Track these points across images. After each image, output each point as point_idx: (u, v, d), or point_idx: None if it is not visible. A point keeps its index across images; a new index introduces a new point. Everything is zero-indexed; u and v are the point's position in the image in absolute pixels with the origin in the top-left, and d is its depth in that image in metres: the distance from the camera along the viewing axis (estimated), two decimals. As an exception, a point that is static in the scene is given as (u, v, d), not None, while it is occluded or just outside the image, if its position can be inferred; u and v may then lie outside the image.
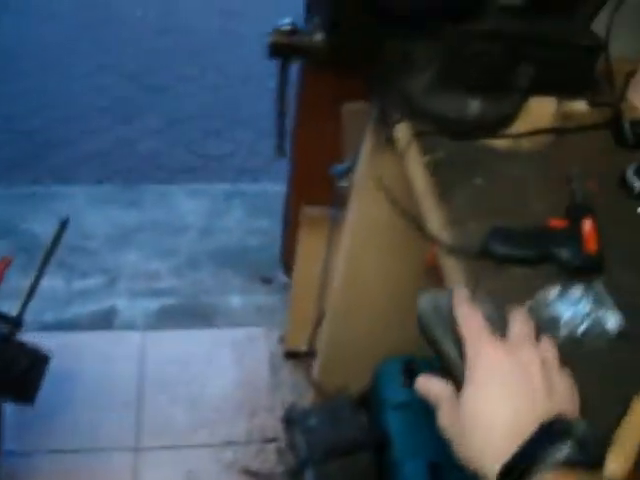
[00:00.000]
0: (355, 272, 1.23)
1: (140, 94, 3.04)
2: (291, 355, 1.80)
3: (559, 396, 0.51)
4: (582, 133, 0.93)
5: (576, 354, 0.61)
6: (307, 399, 1.65)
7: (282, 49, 0.84)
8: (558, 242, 0.73)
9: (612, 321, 0.66)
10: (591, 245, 0.73)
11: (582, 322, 0.66)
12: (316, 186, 1.35)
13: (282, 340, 1.86)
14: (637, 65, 1.00)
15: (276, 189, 1.96)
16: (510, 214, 0.79)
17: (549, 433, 0.47)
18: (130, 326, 1.91)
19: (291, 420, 1.32)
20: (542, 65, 0.88)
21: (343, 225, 1.24)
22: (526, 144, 0.89)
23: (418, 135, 0.86)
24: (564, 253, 0.73)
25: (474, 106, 0.86)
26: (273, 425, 1.68)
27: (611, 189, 0.86)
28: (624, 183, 0.85)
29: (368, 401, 1.37)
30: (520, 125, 0.90)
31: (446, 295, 0.57)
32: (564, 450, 0.46)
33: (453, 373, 0.54)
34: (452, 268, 0.74)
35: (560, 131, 0.92)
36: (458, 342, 0.54)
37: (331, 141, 1.26)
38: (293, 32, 0.83)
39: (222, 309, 1.98)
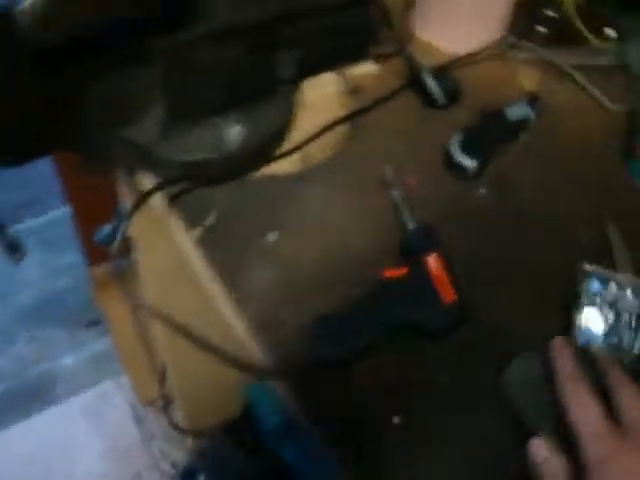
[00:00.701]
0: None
1: None
2: (150, 402, 1.56)
3: None
4: (382, 106, 0.71)
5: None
6: (186, 444, 1.44)
7: None
8: (403, 304, 0.53)
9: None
10: (446, 292, 0.54)
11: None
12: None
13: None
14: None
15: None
16: (328, 278, 0.57)
17: None
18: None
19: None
20: (308, 41, 0.65)
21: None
22: (318, 152, 0.66)
23: (173, 200, 0.60)
24: (416, 318, 0.53)
25: (234, 133, 0.61)
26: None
27: (438, 177, 0.67)
28: (451, 163, 0.66)
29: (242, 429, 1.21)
30: (304, 126, 0.67)
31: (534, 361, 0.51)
32: None
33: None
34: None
35: (354, 115, 0.69)
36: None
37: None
38: None
39: (56, 377, 1.66)
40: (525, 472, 0.46)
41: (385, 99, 0.71)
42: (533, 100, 0.72)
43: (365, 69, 0.74)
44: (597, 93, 0.76)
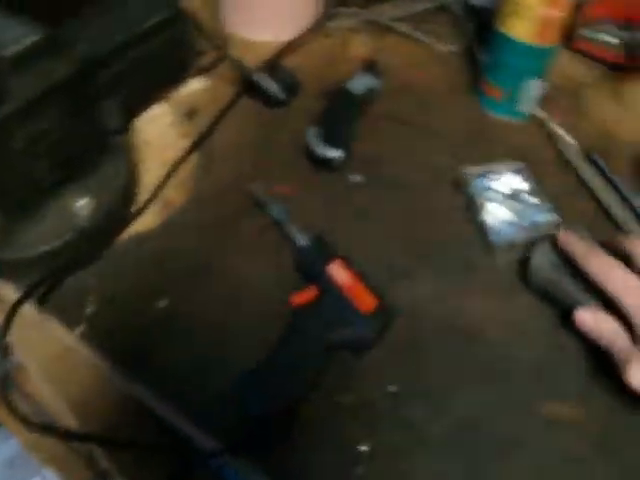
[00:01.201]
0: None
1: None
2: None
3: None
4: (224, 122, 0.66)
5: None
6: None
7: None
8: (322, 328, 0.49)
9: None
10: (363, 299, 0.50)
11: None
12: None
13: None
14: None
15: None
16: (238, 330, 0.52)
17: None
18: None
19: None
20: (127, 79, 0.58)
21: None
22: (176, 195, 0.60)
23: (43, 302, 0.52)
24: (340, 338, 0.49)
25: (80, 207, 0.54)
26: None
27: (309, 176, 0.63)
28: (316, 158, 0.62)
29: None
30: (153, 168, 0.60)
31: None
32: None
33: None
34: None
35: (198, 143, 0.64)
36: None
37: None
38: None
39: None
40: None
41: (224, 113, 0.66)
42: (371, 67, 0.70)
43: (194, 87, 0.69)
44: (428, 40, 0.75)
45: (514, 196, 0.59)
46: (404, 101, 0.71)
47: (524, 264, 0.55)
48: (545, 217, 0.57)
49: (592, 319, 0.49)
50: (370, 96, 0.68)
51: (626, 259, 0.49)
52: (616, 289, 0.47)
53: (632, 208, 0.61)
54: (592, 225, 0.60)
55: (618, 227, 0.61)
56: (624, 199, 0.62)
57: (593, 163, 0.65)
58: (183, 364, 0.49)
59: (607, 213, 0.62)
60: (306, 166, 0.63)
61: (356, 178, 0.63)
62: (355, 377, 0.50)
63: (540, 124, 0.70)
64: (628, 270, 0.48)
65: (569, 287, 0.51)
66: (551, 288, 0.53)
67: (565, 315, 0.51)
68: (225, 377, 0.47)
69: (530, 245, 0.55)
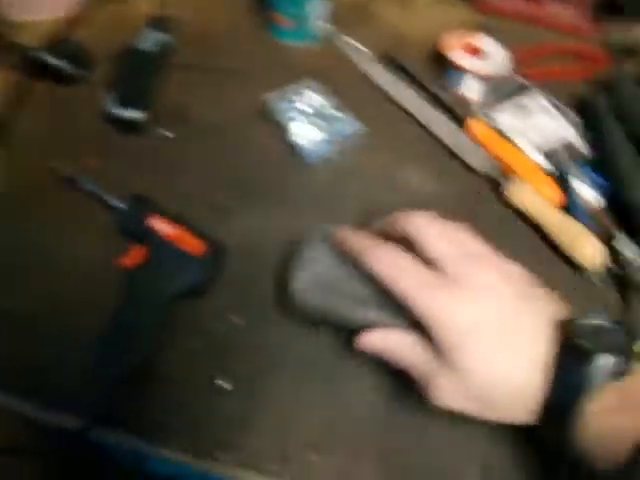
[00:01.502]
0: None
1: None
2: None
3: (537, 293, 0.42)
4: (19, 114, 0.64)
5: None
6: None
7: None
8: (160, 281, 0.50)
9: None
10: (192, 245, 0.52)
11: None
12: None
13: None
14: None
15: None
16: (72, 295, 0.52)
17: (570, 353, 0.38)
18: None
19: None
20: None
21: None
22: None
23: None
24: (180, 287, 0.50)
25: None
26: None
27: (117, 142, 0.62)
28: (122, 123, 0.62)
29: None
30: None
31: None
32: (604, 360, 0.36)
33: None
34: None
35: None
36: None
37: None
38: None
39: None
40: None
41: (19, 102, 0.64)
42: (159, 22, 0.69)
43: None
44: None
45: (318, 113, 0.62)
46: (201, 49, 0.71)
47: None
48: (351, 127, 0.61)
49: (379, 340, 0.43)
50: (163, 51, 0.67)
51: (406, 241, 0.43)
52: (411, 291, 0.40)
53: (435, 98, 0.66)
54: (398, 127, 0.65)
55: (421, 126, 0.65)
56: (424, 89, 0.67)
57: (391, 64, 0.69)
58: (33, 357, 0.48)
59: (408, 113, 0.66)
60: (113, 133, 0.62)
61: (166, 133, 0.63)
62: (202, 318, 0.51)
63: (333, 42, 0.73)
64: (419, 265, 0.41)
65: (342, 308, 0.45)
66: (321, 316, 0.46)
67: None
68: (80, 355, 0.47)
69: (291, 264, 0.48)
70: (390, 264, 0.41)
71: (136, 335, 0.48)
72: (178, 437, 0.46)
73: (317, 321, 0.48)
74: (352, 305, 0.44)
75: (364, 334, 0.44)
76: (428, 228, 0.43)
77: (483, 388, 0.39)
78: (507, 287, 0.41)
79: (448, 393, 0.40)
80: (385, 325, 0.43)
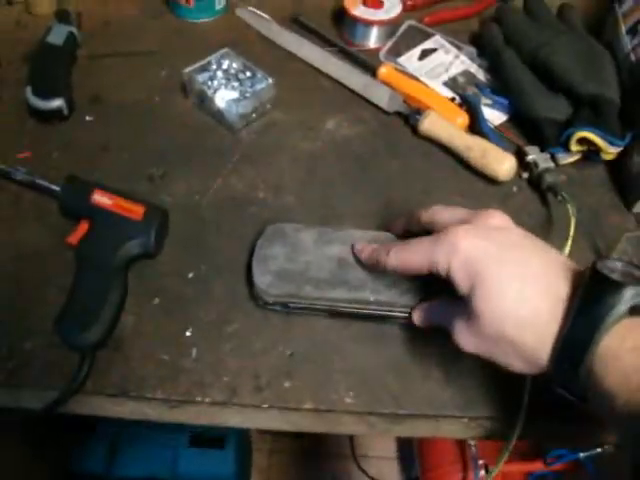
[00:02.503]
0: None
1: None
2: None
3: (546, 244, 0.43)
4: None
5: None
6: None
7: None
8: (109, 253, 0.52)
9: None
10: (133, 211, 0.54)
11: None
12: None
13: None
14: None
15: None
16: (29, 282, 0.53)
17: (596, 284, 0.37)
18: None
19: None
20: None
21: None
22: None
23: None
24: (129, 254, 0.52)
25: None
26: None
27: (42, 134, 0.63)
28: (41, 113, 0.63)
29: None
30: None
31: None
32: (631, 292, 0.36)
33: None
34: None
35: None
36: None
37: None
38: None
39: None
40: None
41: None
42: (63, 15, 0.70)
43: None
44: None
45: (235, 78, 0.64)
46: (110, 37, 0.73)
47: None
48: (263, 84, 0.64)
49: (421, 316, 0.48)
50: (72, 42, 0.68)
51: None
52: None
53: (343, 51, 0.70)
54: (310, 82, 0.68)
55: (333, 79, 0.69)
56: (332, 45, 0.71)
57: (296, 26, 0.73)
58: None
59: (319, 70, 0.70)
60: (38, 125, 0.63)
61: (86, 117, 0.64)
62: (157, 277, 0.53)
63: (236, 13, 0.76)
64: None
65: (307, 292, 0.49)
66: (288, 302, 0.50)
67: None
68: (42, 332, 0.49)
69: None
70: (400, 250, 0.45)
71: (94, 304, 0.50)
72: (152, 388, 0.48)
73: (285, 307, 0.51)
74: (316, 288, 0.49)
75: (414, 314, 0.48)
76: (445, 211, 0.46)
77: (493, 324, 0.40)
78: (516, 229, 0.44)
79: (464, 336, 0.42)
80: (349, 300, 0.49)
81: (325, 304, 0.50)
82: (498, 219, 0.44)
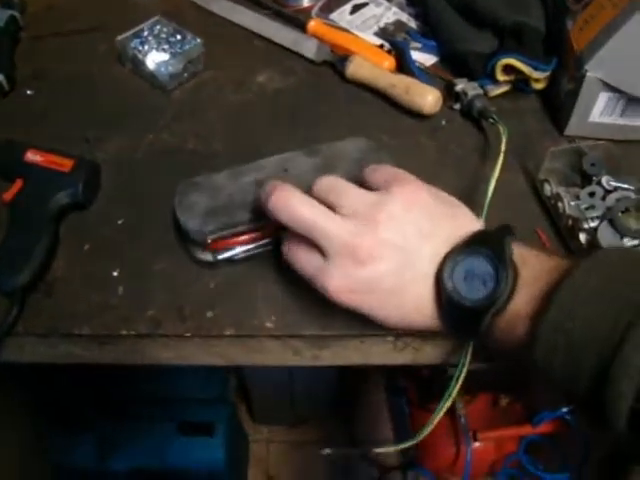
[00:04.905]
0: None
1: None
2: None
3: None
4: None
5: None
6: None
7: None
8: (42, 207, 0.54)
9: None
10: (62, 164, 0.55)
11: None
12: None
13: None
14: None
15: None
16: None
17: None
18: None
19: None
20: None
21: None
22: None
23: None
24: (60, 205, 0.54)
25: None
26: None
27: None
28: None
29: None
30: None
31: None
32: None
33: None
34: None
35: None
36: None
37: None
38: None
39: None
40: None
41: None
42: (6, 1, 0.73)
43: None
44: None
45: (163, 40, 0.66)
46: (52, 19, 0.75)
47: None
48: (192, 43, 0.66)
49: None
50: (13, 24, 0.71)
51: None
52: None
53: (277, 13, 0.72)
54: (241, 42, 0.70)
55: (264, 39, 0.71)
56: (265, 9, 0.73)
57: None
58: None
59: (250, 31, 0.72)
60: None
61: (28, 92, 0.66)
62: (90, 226, 0.55)
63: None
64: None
65: (237, 219, 0.49)
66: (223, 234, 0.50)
67: None
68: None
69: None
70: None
71: (23, 250, 0.51)
72: (80, 325, 0.49)
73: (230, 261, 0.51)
74: (248, 211, 0.49)
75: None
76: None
77: (390, 288, 0.41)
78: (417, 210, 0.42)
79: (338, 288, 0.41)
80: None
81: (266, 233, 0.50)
82: (408, 188, 0.43)
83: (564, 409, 0.93)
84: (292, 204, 0.42)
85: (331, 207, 0.42)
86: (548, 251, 0.42)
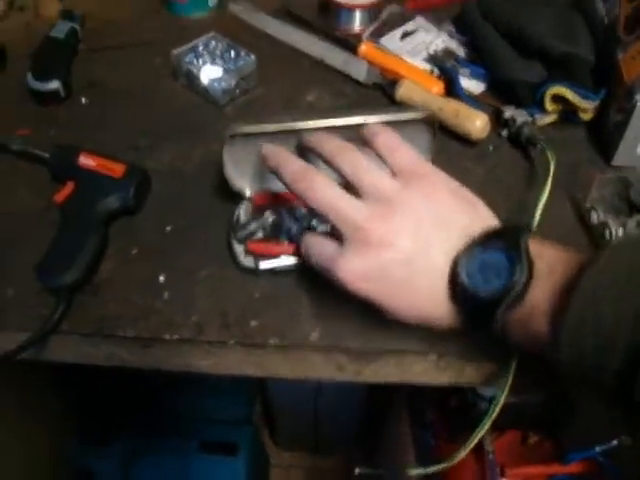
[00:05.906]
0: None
1: None
2: None
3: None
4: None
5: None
6: None
7: None
8: (91, 209, 0.55)
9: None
10: (114, 170, 0.56)
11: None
12: None
13: None
14: None
15: None
16: (20, 243, 0.56)
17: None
18: None
19: None
20: None
21: None
22: None
23: None
24: (110, 210, 0.55)
25: None
26: None
27: (42, 114, 0.67)
28: (38, 94, 0.67)
29: None
30: None
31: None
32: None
33: None
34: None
35: None
36: None
37: None
38: None
39: None
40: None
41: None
42: (68, 14, 0.76)
43: None
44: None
45: (218, 56, 0.68)
46: (109, 33, 0.78)
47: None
48: (245, 60, 0.67)
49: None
50: (73, 36, 0.73)
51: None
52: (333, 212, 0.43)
53: (328, 35, 0.74)
54: (293, 62, 0.72)
55: (315, 60, 0.72)
56: (318, 31, 0.74)
57: (286, 17, 0.77)
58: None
59: (302, 52, 0.73)
60: (38, 108, 0.68)
61: (82, 100, 0.68)
62: (137, 232, 0.56)
63: (227, 8, 0.81)
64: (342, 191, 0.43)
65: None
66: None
67: None
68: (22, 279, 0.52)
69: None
70: (301, 178, 0.44)
71: (72, 250, 0.52)
72: (124, 327, 0.49)
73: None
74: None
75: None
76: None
77: (407, 276, 0.41)
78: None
79: (350, 274, 0.42)
80: None
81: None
82: (428, 180, 0.44)
83: (597, 449, 0.91)
84: (315, 185, 0.43)
85: (352, 181, 0.43)
86: (564, 244, 0.41)
